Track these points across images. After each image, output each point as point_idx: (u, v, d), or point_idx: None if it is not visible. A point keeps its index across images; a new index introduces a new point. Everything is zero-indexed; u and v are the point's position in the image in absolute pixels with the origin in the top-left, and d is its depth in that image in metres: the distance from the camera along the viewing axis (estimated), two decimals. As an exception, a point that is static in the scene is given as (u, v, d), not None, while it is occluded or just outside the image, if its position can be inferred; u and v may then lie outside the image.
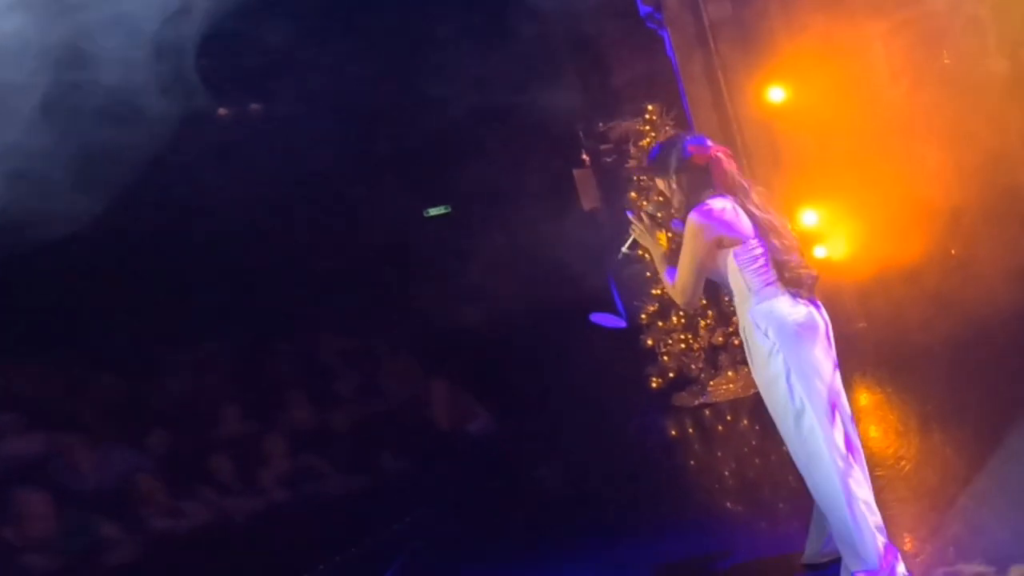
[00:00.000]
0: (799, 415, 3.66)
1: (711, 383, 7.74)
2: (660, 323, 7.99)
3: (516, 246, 8.33)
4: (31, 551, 5.97)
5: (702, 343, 7.82)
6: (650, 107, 8.26)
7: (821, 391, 3.68)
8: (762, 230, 3.76)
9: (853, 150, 7.62)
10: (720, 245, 3.74)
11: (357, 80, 8.37)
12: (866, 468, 3.79)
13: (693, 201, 3.79)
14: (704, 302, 7.73)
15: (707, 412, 7.51)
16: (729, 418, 7.24)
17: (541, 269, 8.31)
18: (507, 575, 5.18)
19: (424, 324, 8.69)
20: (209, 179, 7.54)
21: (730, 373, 7.68)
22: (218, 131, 8.36)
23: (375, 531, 6.12)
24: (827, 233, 7.90)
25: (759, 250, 3.74)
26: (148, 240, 7.86)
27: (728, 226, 3.74)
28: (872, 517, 3.70)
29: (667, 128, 8.20)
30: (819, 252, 7.77)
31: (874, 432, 5.81)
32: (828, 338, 3.78)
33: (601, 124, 8.97)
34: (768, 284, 3.74)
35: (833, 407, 3.71)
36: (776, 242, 3.75)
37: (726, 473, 6.25)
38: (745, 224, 3.75)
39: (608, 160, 8.93)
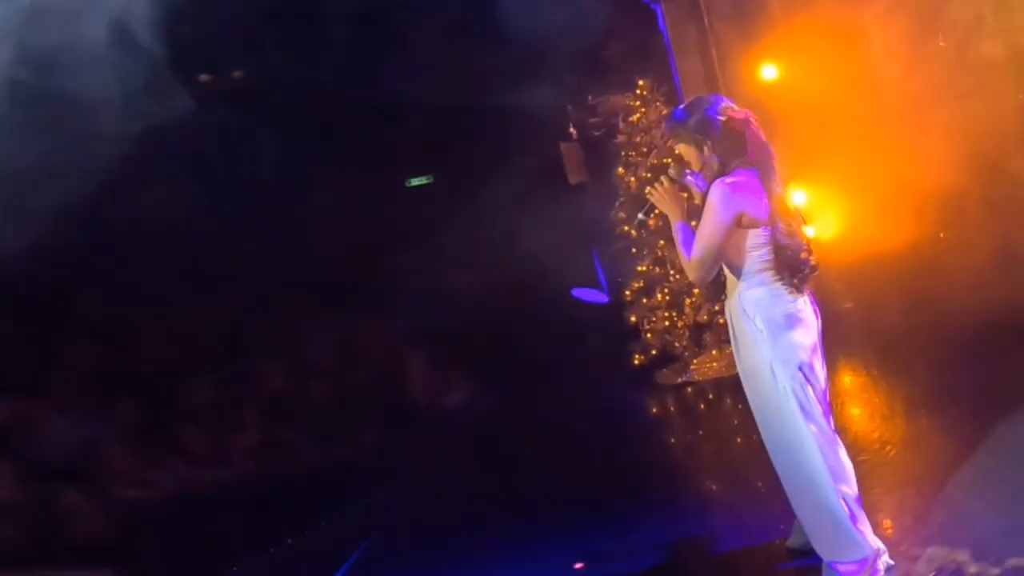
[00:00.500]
0: (781, 405, 3.53)
1: (695, 361, 7.68)
2: (644, 300, 7.91)
3: (499, 219, 8.18)
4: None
5: (687, 321, 7.75)
6: (641, 82, 8.14)
7: (804, 382, 3.54)
8: (773, 210, 3.56)
9: (845, 131, 7.53)
10: (739, 224, 3.53)
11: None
12: (848, 459, 3.66)
13: (722, 170, 3.57)
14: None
15: (689, 390, 7.44)
16: (711, 397, 7.17)
17: (525, 243, 8.17)
18: (479, 554, 5.05)
19: (404, 296, 8.53)
20: (185, 144, 7.36)
21: (714, 352, 7.62)
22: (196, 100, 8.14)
23: (346, 505, 6.00)
24: (816, 213, 7.80)
25: (765, 233, 3.56)
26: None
27: (754, 204, 3.53)
28: (854, 508, 3.60)
29: (658, 103, 8.09)
30: (808, 232, 7.66)
31: (859, 415, 5.73)
32: (818, 331, 3.64)
33: (591, 98, 8.84)
34: (763, 270, 3.57)
35: (817, 398, 3.58)
36: (782, 225, 3.57)
37: (707, 452, 6.16)
38: (764, 204, 3.55)
39: (596, 134, 8.81)
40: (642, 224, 4.02)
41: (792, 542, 3.98)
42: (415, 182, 10.07)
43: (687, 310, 7.74)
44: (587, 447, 6.48)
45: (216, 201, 7.99)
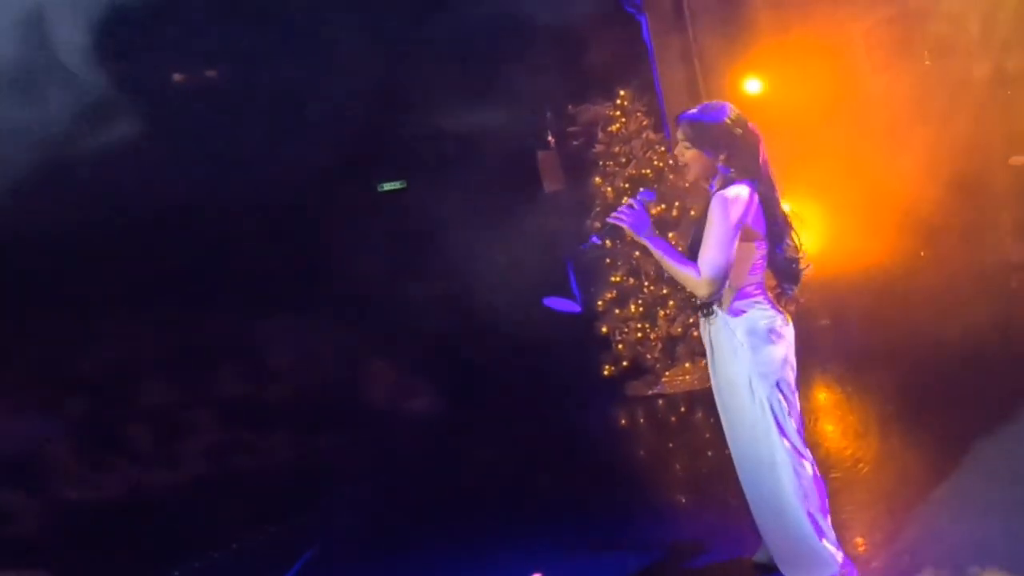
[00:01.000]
0: (757, 419, 3.45)
1: (667, 373, 7.53)
2: (617, 311, 7.77)
3: (471, 225, 8.03)
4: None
5: (659, 333, 7.60)
6: (622, 92, 8.04)
7: (781, 397, 3.47)
8: (779, 225, 3.52)
9: (826, 147, 7.49)
10: (741, 236, 3.42)
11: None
12: (818, 476, 3.55)
13: (730, 181, 3.47)
14: (665, 291, 7.50)
15: (660, 402, 7.29)
16: (683, 409, 7.01)
17: (498, 250, 8.04)
18: (438, 563, 4.85)
19: (370, 301, 8.35)
20: (145, 151, 7.18)
21: (687, 364, 7.48)
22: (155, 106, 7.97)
23: (301, 509, 5.80)
24: (795, 227, 7.70)
25: (759, 247, 3.48)
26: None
27: (757, 218, 3.45)
28: (823, 524, 3.49)
29: (638, 114, 7.99)
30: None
31: (832, 432, 5.59)
32: (793, 347, 3.56)
33: (570, 106, 8.76)
34: (750, 283, 3.50)
35: (792, 414, 3.49)
36: (789, 240, 3.55)
37: (677, 466, 5.99)
38: (762, 219, 3.47)
39: (575, 143, 8.72)
40: (595, 248, 3.79)
41: (759, 557, 3.87)
42: (388, 186, 9.93)
43: (660, 322, 7.59)
44: (552, 458, 6.30)
45: (175, 199, 7.80)
